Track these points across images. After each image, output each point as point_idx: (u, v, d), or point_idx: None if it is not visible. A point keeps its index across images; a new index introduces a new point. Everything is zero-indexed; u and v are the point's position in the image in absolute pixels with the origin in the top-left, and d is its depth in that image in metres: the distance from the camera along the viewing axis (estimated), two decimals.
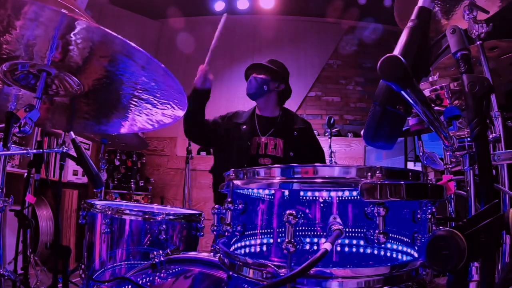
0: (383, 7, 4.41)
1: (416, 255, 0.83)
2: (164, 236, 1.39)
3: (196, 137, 2.35)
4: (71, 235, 3.90)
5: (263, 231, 0.87)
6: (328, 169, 0.77)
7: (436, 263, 0.59)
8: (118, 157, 4.77)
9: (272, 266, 0.75)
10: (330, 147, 3.28)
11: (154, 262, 1.11)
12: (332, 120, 3.51)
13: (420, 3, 0.75)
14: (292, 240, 0.71)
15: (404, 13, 1.54)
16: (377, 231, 0.70)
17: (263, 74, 2.25)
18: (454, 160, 0.93)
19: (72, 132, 1.72)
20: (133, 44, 0.84)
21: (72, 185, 4.11)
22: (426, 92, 1.36)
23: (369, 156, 4.55)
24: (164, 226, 1.39)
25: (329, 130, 3.57)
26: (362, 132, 0.79)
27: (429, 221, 0.85)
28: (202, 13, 5.42)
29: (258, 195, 0.89)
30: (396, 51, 0.72)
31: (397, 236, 0.82)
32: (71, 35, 0.83)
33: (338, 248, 0.81)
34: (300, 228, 0.77)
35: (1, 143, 1.03)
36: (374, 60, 5.33)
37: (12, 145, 1.59)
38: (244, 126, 2.23)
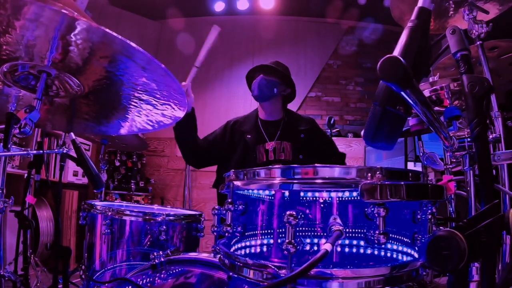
0: (383, 7, 4.41)
1: (416, 255, 0.83)
2: (164, 236, 1.39)
3: (198, 162, 2.26)
4: (72, 236, 3.90)
5: (263, 231, 0.87)
6: (328, 169, 0.77)
7: (436, 264, 0.59)
8: (118, 158, 4.77)
9: (273, 267, 0.75)
10: None
11: (154, 262, 1.11)
12: (332, 120, 3.52)
13: (420, 4, 0.75)
14: (293, 240, 0.71)
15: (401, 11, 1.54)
16: (377, 232, 0.70)
17: (272, 76, 2.17)
18: (454, 160, 0.93)
19: (72, 133, 1.72)
20: (133, 44, 0.84)
21: (72, 186, 4.11)
22: (426, 93, 1.36)
23: (369, 157, 4.55)
24: (164, 227, 1.39)
25: (329, 130, 3.58)
26: (362, 133, 0.79)
27: (429, 222, 0.85)
28: (202, 13, 5.42)
29: (258, 195, 0.89)
30: (396, 52, 0.72)
31: (397, 237, 0.82)
32: (71, 35, 0.83)
33: (339, 249, 0.81)
34: (300, 228, 0.77)
35: (1, 144, 1.03)
36: (374, 60, 5.33)
37: (12, 146, 1.59)
38: (249, 136, 2.14)
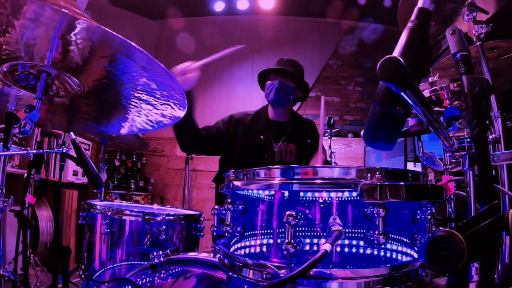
0: (383, 7, 4.42)
1: (416, 255, 0.83)
2: (164, 236, 1.39)
3: (194, 149, 2.23)
4: (71, 235, 3.90)
5: (263, 231, 0.87)
6: (328, 170, 0.77)
7: (435, 264, 0.59)
8: (118, 158, 4.77)
9: (272, 267, 0.75)
10: (330, 147, 3.29)
11: (154, 262, 1.11)
12: (332, 120, 3.51)
13: (419, 4, 0.75)
14: (292, 241, 0.71)
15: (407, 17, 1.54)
16: (376, 232, 0.70)
17: (290, 82, 2.10)
18: (453, 160, 0.94)
19: (72, 133, 1.72)
20: (133, 44, 0.84)
21: (72, 186, 4.10)
22: (426, 93, 1.36)
23: (369, 157, 4.55)
24: (164, 227, 1.39)
25: (329, 130, 3.57)
26: (362, 133, 0.79)
27: (428, 222, 0.85)
28: (202, 13, 5.42)
29: (258, 195, 0.89)
30: (396, 52, 0.72)
31: (397, 237, 0.82)
32: (72, 35, 0.83)
33: (338, 249, 0.81)
34: (300, 228, 0.77)
35: (1, 143, 1.03)
36: (374, 61, 5.33)
37: (12, 146, 1.59)
38: (262, 136, 2.11)
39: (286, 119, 2.21)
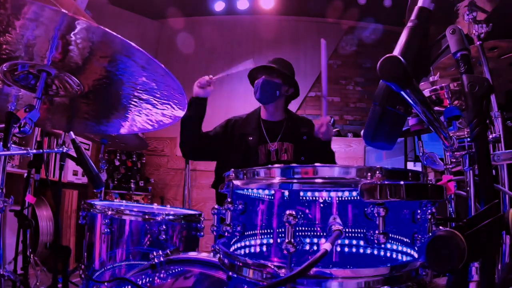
0: (383, 7, 4.41)
1: (416, 255, 0.83)
2: (164, 236, 1.39)
3: (195, 154, 2.26)
4: (71, 235, 3.90)
5: (263, 231, 0.87)
6: (328, 169, 0.77)
7: (436, 264, 0.59)
8: (118, 158, 4.77)
9: (272, 267, 0.75)
10: None
11: (153, 262, 1.11)
12: (332, 120, 3.51)
13: (420, 3, 0.75)
14: (292, 240, 0.71)
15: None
16: (377, 232, 0.70)
17: (275, 78, 2.14)
18: (454, 160, 0.94)
19: (72, 132, 1.72)
20: (133, 44, 0.84)
21: (72, 185, 4.10)
22: (426, 93, 1.36)
23: (369, 156, 4.55)
24: (164, 227, 1.39)
25: None
26: (362, 132, 0.79)
27: (429, 222, 0.85)
28: (202, 13, 5.42)
29: (258, 195, 0.89)
30: (396, 51, 0.72)
31: (397, 237, 0.82)
32: (71, 35, 0.83)
33: (338, 249, 0.81)
34: (300, 228, 0.77)
35: (1, 143, 1.03)
36: (374, 60, 5.33)
37: (12, 145, 1.59)
38: (251, 138, 2.13)
39: (280, 118, 2.22)
